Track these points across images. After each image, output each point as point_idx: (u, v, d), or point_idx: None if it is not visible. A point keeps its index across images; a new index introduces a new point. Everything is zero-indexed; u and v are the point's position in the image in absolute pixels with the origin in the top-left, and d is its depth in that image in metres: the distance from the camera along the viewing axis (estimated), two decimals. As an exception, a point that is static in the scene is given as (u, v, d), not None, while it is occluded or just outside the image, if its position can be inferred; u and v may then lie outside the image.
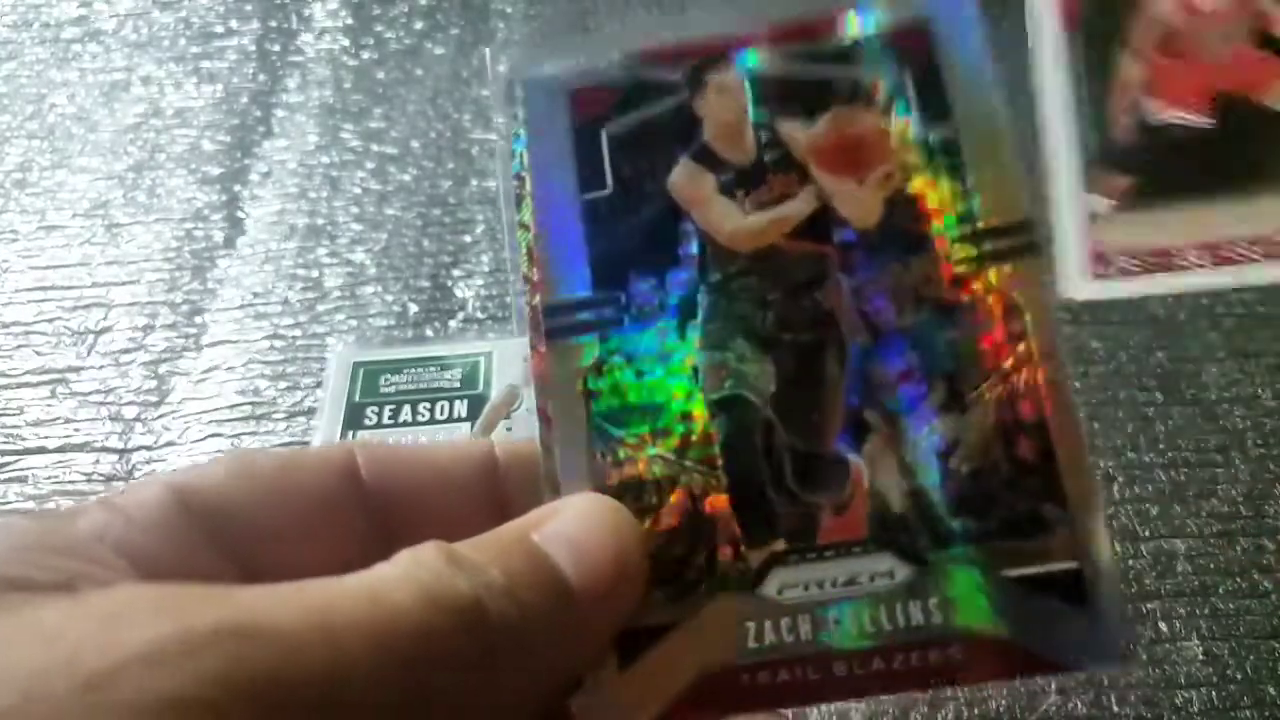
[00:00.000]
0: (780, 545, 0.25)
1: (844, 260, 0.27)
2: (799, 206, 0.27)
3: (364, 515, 0.26)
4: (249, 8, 0.76)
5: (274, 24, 0.75)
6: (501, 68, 0.29)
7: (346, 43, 0.73)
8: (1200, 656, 0.43)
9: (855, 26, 0.28)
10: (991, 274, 0.26)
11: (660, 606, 0.25)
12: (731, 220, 0.27)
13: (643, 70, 0.29)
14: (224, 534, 0.24)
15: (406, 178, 0.65)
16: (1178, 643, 0.43)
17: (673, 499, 0.26)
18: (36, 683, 0.17)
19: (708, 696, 0.24)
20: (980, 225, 0.26)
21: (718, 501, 0.26)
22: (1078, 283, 0.42)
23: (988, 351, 0.26)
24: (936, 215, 0.27)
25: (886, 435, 0.26)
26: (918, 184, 0.27)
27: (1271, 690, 0.42)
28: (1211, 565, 0.45)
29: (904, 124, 0.27)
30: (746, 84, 0.28)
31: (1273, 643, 0.43)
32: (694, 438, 0.26)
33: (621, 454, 0.26)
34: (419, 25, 0.74)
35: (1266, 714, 0.41)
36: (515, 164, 0.29)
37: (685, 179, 0.28)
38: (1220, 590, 0.45)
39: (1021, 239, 0.26)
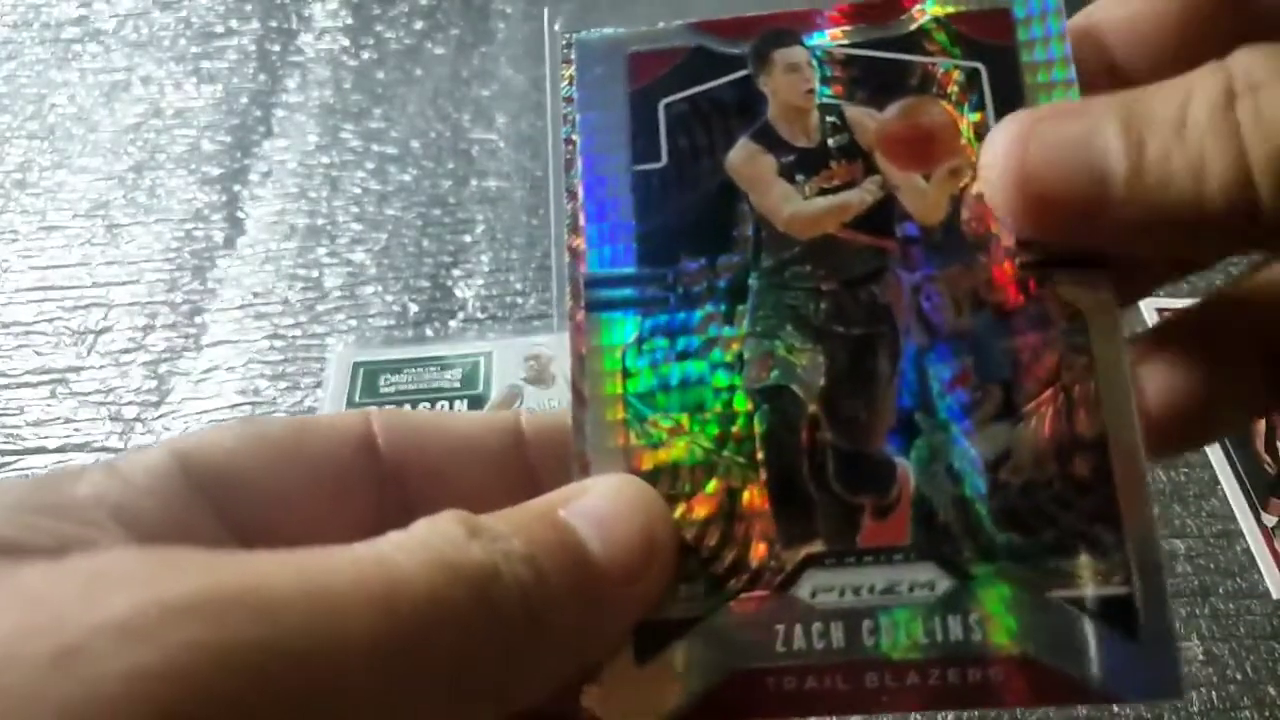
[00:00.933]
0: (818, 546, 0.24)
1: (904, 255, 0.26)
2: (861, 196, 0.26)
3: (379, 487, 0.26)
4: (249, 8, 0.76)
5: (274, 24, 0.75)
6: (557, 26, 0.28)
7: (346, 43, 0.73)
8: (1200, 657, 0.43)
9: (932, 10, 0.27)
10: (1055, 280, 0.25)
11: (685, 600, 0.24)
12: (790, 205, 0.26)
13: (704, 39, 0.27)
14: (229, 501, 0.23)
15: (406, 178, 0.65)
16: (1179, 643, 0.43)
17: (708, 488, 0.25)
18: (7, 648, 0.16)
19: (730, 699, 0.23)
20: None
21: (755, 495, 0.24)
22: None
23: (1047, 361, 0.24)
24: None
25: (937, 440, 0.24)
26: None
27: (1271, 691, 0.42)
28: (1212, 565, 0.45)
29: (977, 118, 0.26)
30: (815, 63, 0.27)
31: (1273, 643, 0.43)
32: (734, 427, 0.25)
33: (656, 436, 0.25)
34: (419, 25, 0.74)
35: (1266, 714, 0.41)
36: (566, 128, 0.27)
37: (745, 158, 0.26)
38: (1220, 590, 0.45)
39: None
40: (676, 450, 0.25)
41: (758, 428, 0.25)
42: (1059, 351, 0.24)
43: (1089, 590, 0.23)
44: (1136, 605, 0.23)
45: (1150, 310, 0.51)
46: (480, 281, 0.60)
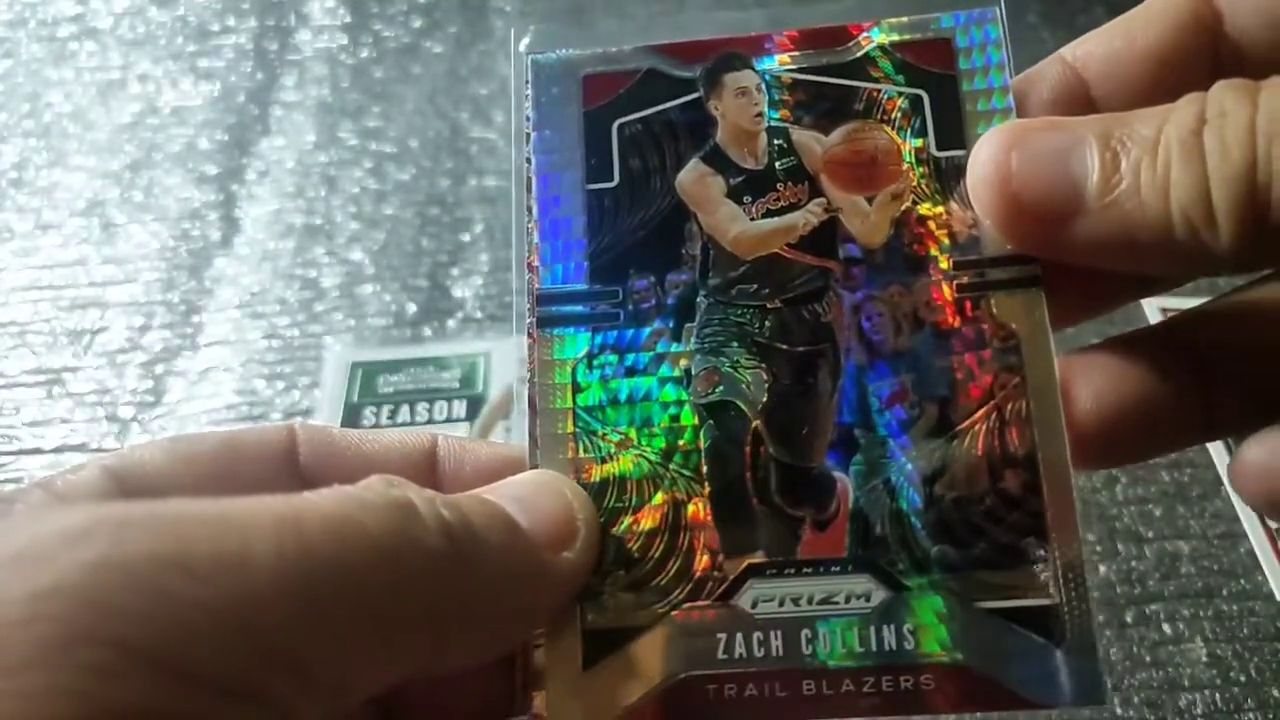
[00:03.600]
0: (758, 557, 0.25)
1: (846, 276, 0.27)
2: (806, 217, 0.27)
3: None
4: (246, 5, 0.75)
5: (271, 22, 0.74)
6: (522, 47, 0.29)
7: (344, 40, 0.73)
8: (1204, 658, 0.43)
9: (878, 39, 0.28)
10: (992, 302, 0.26)
11: (631, 609, 0.25)
12: (737, 225, 0.27)
13: (657, 62, 0.28)
14: None
15: (404, 176, 0.65)
16: (1181, 645, 0.43)
17: (654, 500, 0.25)
18: None
19: (673, 705, 0.24)
20: (985, 253, 0.26)
21: (699, 507, 0.25)
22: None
23: (982, 380, 0.25)
24: (942, 239, 0.26)
25: (875, 455, 0.25)
26: (926, 206, 0.27)
27: (1275, 692, 0.41)
28: (1215, 567, 0.45)
29: (919, 144, 0.27)
30: (764, 87, 0.28)
31: (1277, 644, 0.43)
32: (681, 441, 0.26)
33: (604, 449, 0.26)
34: (417, 23, 0.73)
35: (1270, 716, 0.41)
36: (527, 148, 0.28)
37: (694, 179, 0.27)
38: (1224, 592, 0.44)
39: (1024, 270, 0.26)
40: (624, 463, 0.26)
41: (703, 442, 0.26)
42: (993, 371, 0.25)
43: (1017, 601, 0.24)
44: (1063, 615, 0.24)
45: (1154, 310, 0.51)
46: (479, 281, 0.59)
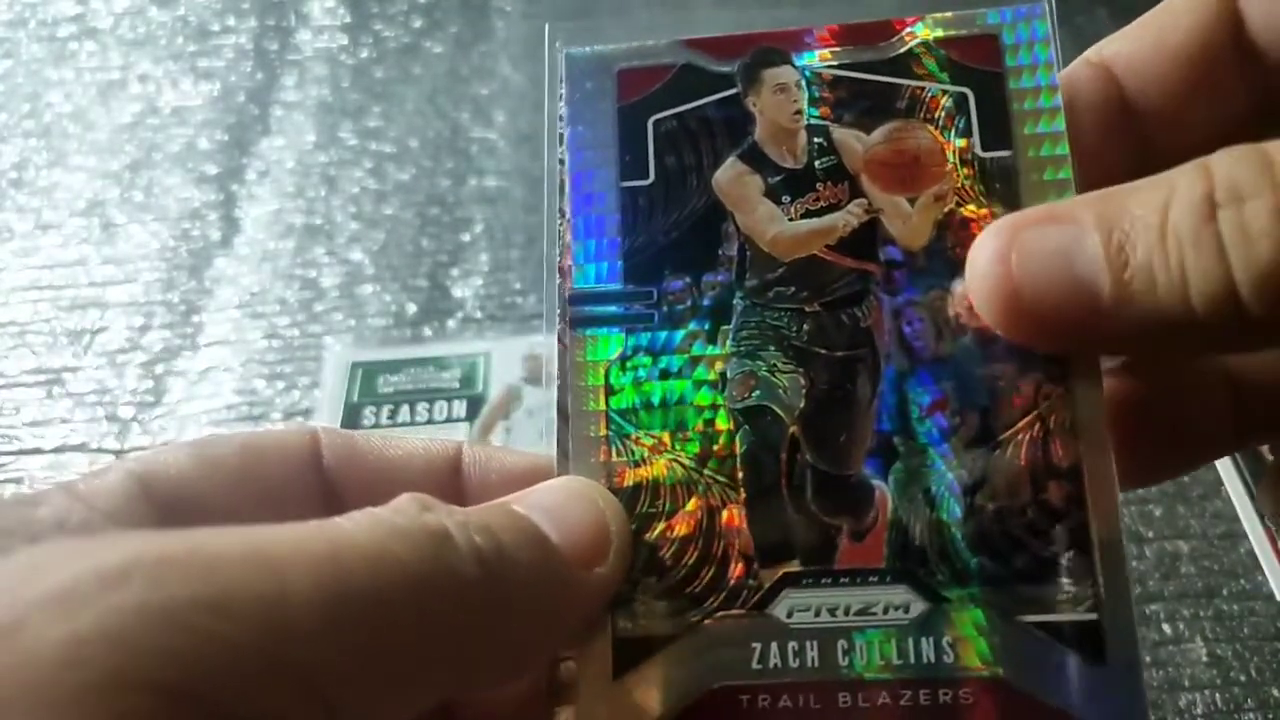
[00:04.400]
0: (795, 566, 0.24)
1: (887, 279, 0.26)
2: (846, 219, 0.26)
3: (324, 503, 0.26)
4: (246, 5, 0.75)
5: (271, 22, 0.74)
6: (559, 44, 0.28)
7: (344, 40, 0.73)
8: (1204, 659, 0.43)
9: (921, 34, 0.27)
10: None
11: (663, 617, 0.24)
12: (775, 226, 0.26)
13: (693, 57, 0.27)
14: (185, 521, 0.23)
15: (404, 176, 0.65)
16: (1182, 645, 0.43)
17: (688, 506, 0.25)
18: None
19: (706, 716, 0.24)
20: None
21: (734, 514, 0.25)
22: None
23: (1025, 390, 0.25)
24: None
25: (915, 464, 0.25)
26: (970, 208, 0.26)
27: (1275, 692, 0.41)
28: (1216, 567, 0.45)
29: (963, 143, 0.26)
30: (803, 84, 0.27)
31: (1277, 644, 0.43)
32: (716, 446, 0.25)
33: (638, 453, 0.25)
34: (417, 23, 0.73)
35: (1270, 716, 0.41)
36: (560, 149, 0.27)
37: (731, 178, 0.27)
38: (1224, 592, 0.44)
39: None
40: (657, 468, 0.25)
41: (738, 447, 0.25)
42: (1036, 380, 0.25)
43: (1059, 616, 0.23)
44: (1105, 632, 0.23)
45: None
46: (479, 281, 0.59)
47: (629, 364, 0.26)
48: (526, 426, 0.52)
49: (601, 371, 0.26)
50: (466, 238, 0.61)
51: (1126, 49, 0.26)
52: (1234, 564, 0.45)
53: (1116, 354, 0.24)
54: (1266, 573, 0.45)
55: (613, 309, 0.26)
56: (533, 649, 0.22)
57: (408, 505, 0.21)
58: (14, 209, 0.64)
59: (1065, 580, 0.24)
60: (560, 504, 0.23)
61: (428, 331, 0.57)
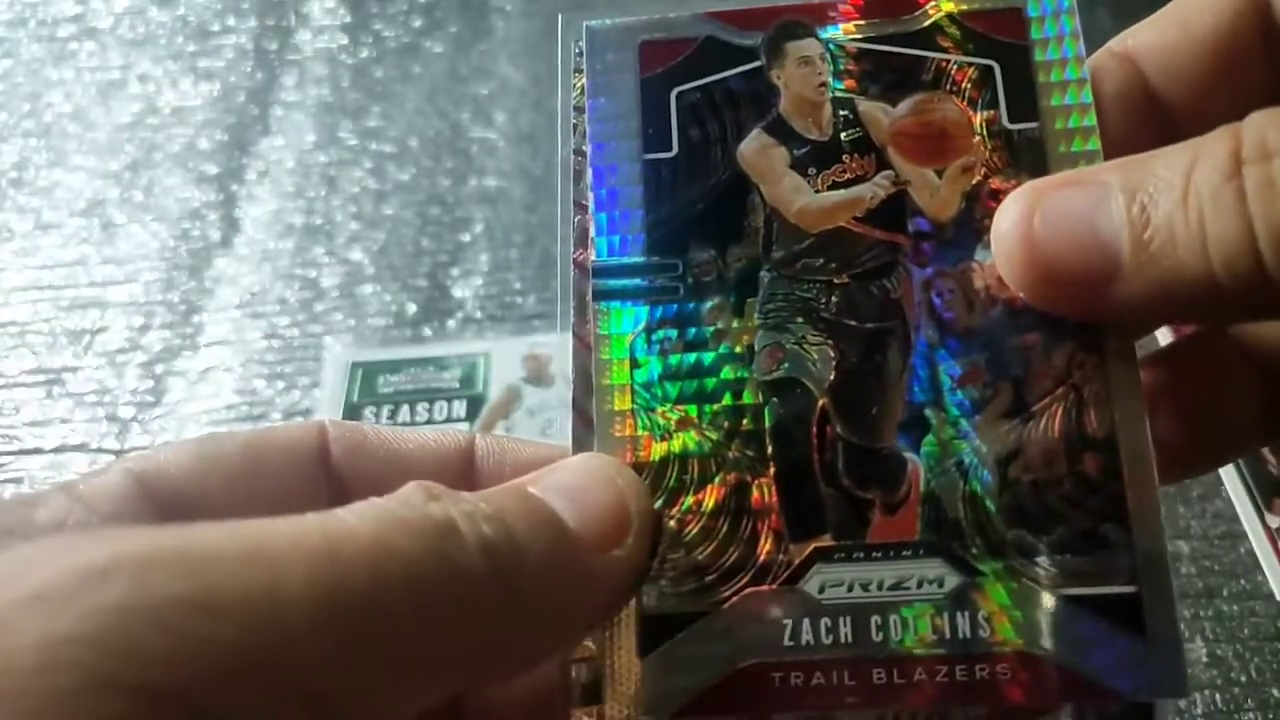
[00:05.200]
0: (826, 541, 0.24)
1: (916, 250, 0.25)
2: (873, 190, 0.26)
3: (333, 499, 0.25)
4: (246, 5, 0.75)
5: (271, 22, 0.74)
6: (575, 41, 0.28)
7: (344, 40, 0.73)
8: (1204, 659, 0.42)
9: (945, 7, 0.27)
10: None
11: (692, 594, 0.24)
12: (802, 197, 0.26)
13: (716, 29, 0.27)
14: (186, 520, 0.23)
15: (404, 176, 0.65)
16: (1183, 642, 0.43)
17: (716, 480, 0.24)
18: None
19: (737, 693, 0.23)
20: None
21: (763, 489, 0.24)
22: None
23: (1057, 360, 0.24)
24: None
25: (947, 436, 0.24)
26: (998, 179, 0.25)
27: (1275, 693, 0.41)
28: (1216, 567, 0.45)
29: (990, 115, 0.26)
30: (828, 57, 0.27)
31: (1277, 644, 0.43)
32: (743, 420, 0.25)
33: (664, 426, 0.25)
34: (417, 23, 0.73)
35: (1270, 716, 0.41)
36: (576, 140, 0.27)
37: (757, 150, 0.26)
38: (1225, 592, 0.44)
39: None
40: (684, 441, 0.25)
41: (767, 421, 0.25)
42: (1069, 350, 0.24)
43: (1097, 588, 0.23)
44: (1143, 603, 0.23)
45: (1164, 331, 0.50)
46: (479, 281, 0.59)
47: (654, 337, 0.25)
48: (527, 426, 0.52)
49: (626, 343, 0.25)
50: (466, 238, 0.61)
51: (1151, 39, 0.26)
52: (1234, 564, 0.45)
53: (1139, 321, 0.23)
54: (1266, 573, 0.45)
55: (636, 281, 0.26)
56: (550, 639, 0.22)
57: (413, 494, 0.20)
58: (14, 209, 0.64)
59: (1102, 553, 0.23)
60: (578, 484, 0.22)
61: (428, 331, 0.57)
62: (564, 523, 0.21)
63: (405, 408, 0.53)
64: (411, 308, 0.58)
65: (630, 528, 0.23)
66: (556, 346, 0.54)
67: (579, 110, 0.27)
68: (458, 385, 0.54)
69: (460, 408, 0.53)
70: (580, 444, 0.25)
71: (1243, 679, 0.42)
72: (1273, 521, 0.46)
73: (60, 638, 0.16)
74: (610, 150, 0.27)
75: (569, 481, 0.23)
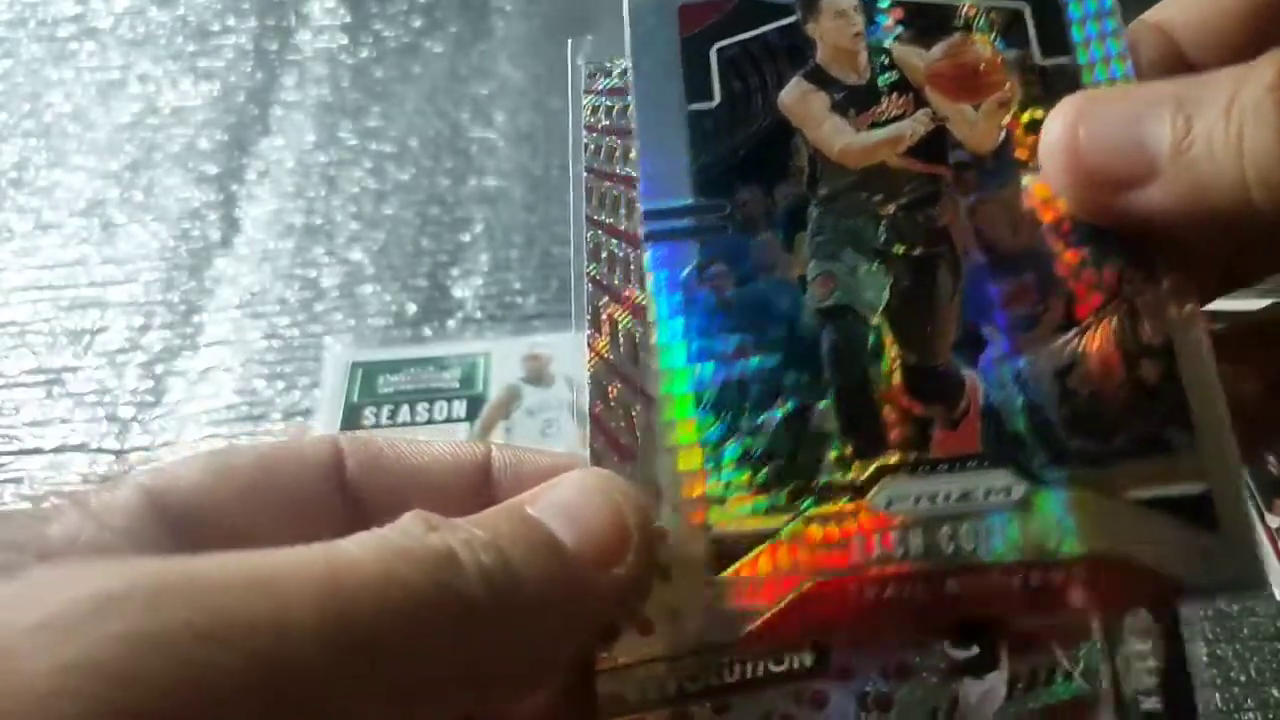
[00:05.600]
0: (890, 458, 0.24)
1: (958, 180, 0.26)
2: (914, 127, 0.27)
3: (348, 514, 0.25)
4: (246, 5, 0.75)
5: (271, 22, 0.74)
6: (580, 60, 0.29)
7: (344, 40, 0.73)
8: (1204, 659, 0.42)
9: None
10: None
11: (759, 514, 0.24)
12: (844, 137, 0.27)
13: None
14: (199, 537, 0.23)
15: (404, 176, 0.65)
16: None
17: (776, 406, 0.25)
18: None
19: (810, 610, 0.23)
20: None
21: (824, 412, 0.25)
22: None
23: (1108, 274, 0.25)
24: None
25: (1002, 352, 0.25)
26: (1036, 111, 0.26)
27: (1275, 692, 0.41)
28: (1215, 566, 0.45)
29: (1022, 54, 0.27)
30: (861, 8, 0.28)
31: (1277, 644, 0.43)
32: (799, 348, 0.25)
33: (721, 359, 0.25)
34: (417, 23, 0.73)
35: (1270, 716, 0.41)
36: (587, 158, 0.28)
37: (797, 97, 0.27)
38: (1224, 592, 0.44)
39: None
40: (743, 372, 0.25)
41: (824, 346, 0.25)
42: (1119, 266, 0.25)
43: (1166, 489, 0.23)
44: (1214, 500, 0.23)
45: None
46: (479, 281, 0.59)
47: (706, 273, 0.26)
48: (526, 426, 0.52)
49: (680, 281, 0.26)
50: (466, 237, 0.61)
51: (1183, 9, 0.26)
52: (1234, 564, 0.45)
53: (1173, 231, 0.24)
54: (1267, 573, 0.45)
55: (687, 222, 0.26)
56: (551, 659, 0.22)
57: (412, 524, 0.20)
58: (14, 209, 0.64)
59: (1167, 455, 0.23)
60: (575, 501, 0.23)
61: (428, 331, 0.57)
62: (561, 543, 0.22)
63: (405, 408, 0.53)
64: (411, 308, 0.58)
65: (630, 544, 0.23)
66: (556, 346, 0.54)
67: (590, 130, 0.28)
68: (458, 385, 0.54)
69: (460, 408, 0.53)
70: (632, 355, 0.26)
71: (1242, 679, 0.42)
72: (1273, 521, 0.46)
73: (69, 665, 0.16)
74: (654, 103, 0.27)
75: (567, 499, 0.23)
